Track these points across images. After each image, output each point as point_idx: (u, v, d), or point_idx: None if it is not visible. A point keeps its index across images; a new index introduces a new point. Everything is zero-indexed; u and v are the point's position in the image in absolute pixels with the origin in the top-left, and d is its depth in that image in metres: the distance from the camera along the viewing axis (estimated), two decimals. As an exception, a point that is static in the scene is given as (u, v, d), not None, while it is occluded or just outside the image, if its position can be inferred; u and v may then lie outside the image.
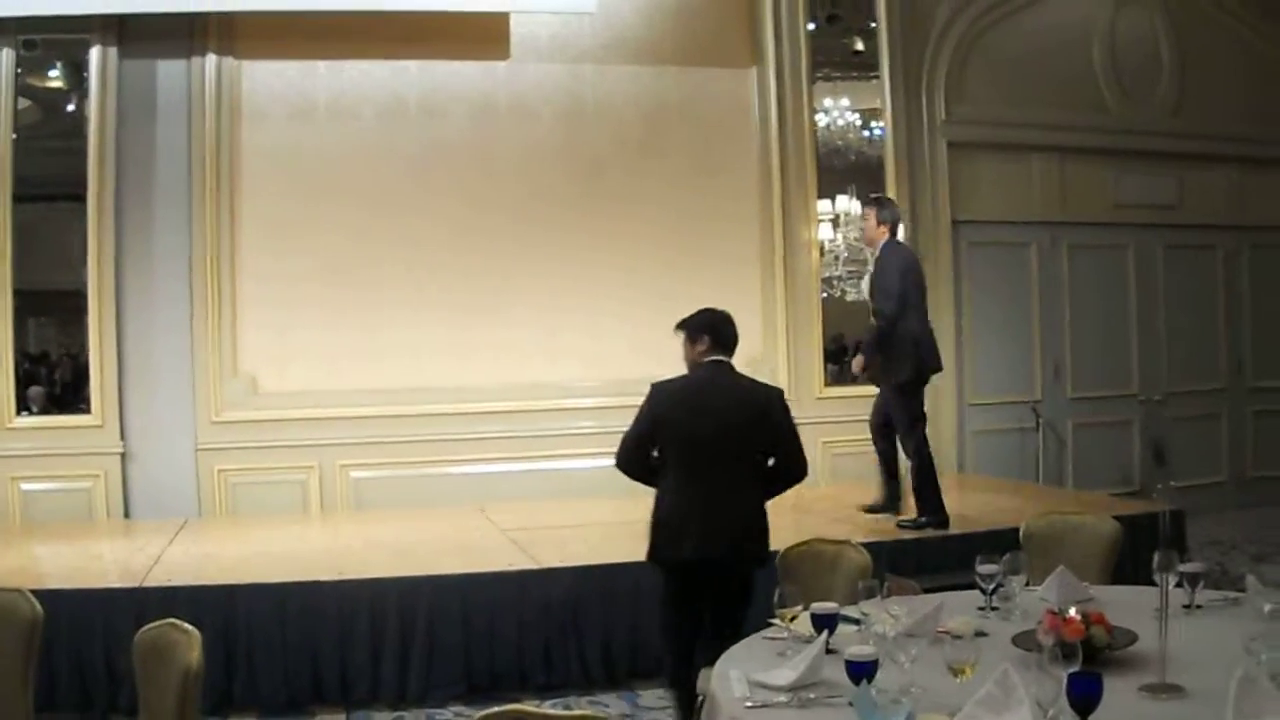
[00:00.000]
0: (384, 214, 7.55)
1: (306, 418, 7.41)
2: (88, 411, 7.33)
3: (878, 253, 6.04)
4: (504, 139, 7.69)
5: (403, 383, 7.48)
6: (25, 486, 7.25)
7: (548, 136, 7.73)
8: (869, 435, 6.37)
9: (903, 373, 5.89)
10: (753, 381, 4.25)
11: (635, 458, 4.18)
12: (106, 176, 7.33)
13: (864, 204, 6.19)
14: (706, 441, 4.05)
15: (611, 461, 6.59)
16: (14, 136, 7.33)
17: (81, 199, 7.31)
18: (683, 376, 4.22)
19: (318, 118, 7.58)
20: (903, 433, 6.03)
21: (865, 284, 6.20)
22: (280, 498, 7.38)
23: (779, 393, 4.23)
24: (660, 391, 4.17)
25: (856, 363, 6.10)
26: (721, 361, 4.20)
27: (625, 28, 7.78)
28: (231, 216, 7.45)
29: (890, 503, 6.30)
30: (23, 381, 7.37)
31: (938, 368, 6.06)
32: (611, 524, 6.54)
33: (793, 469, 4.19)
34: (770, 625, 3.29)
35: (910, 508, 6.15)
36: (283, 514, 7.29)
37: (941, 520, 5.95)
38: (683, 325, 4.32)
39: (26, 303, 7.36)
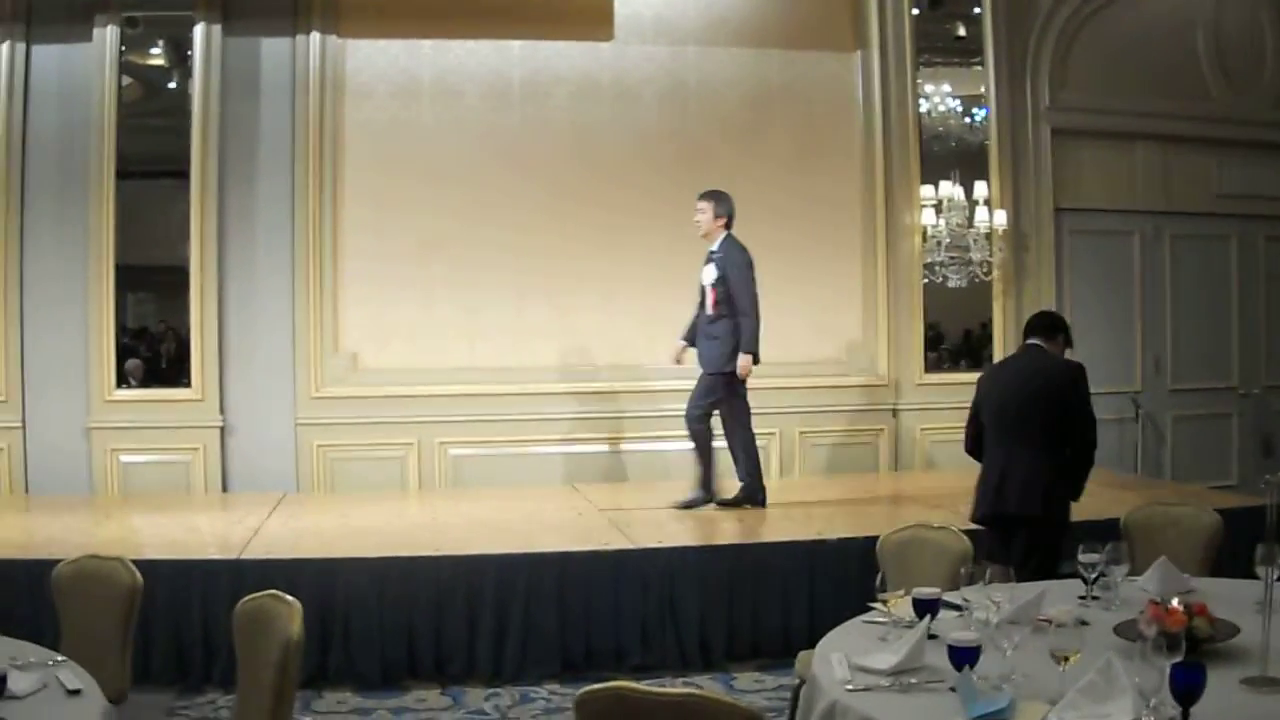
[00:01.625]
0: (485, 194, 7.61)
1: (406, 394, 7.50)
2: (188, 385, 7.48)
3: (715, 246, 6.31)
4: (606, 121, 7.74)
5: (501, 361, 7.57)
6: (125, 458, 7.42)
7: (650, 119, 7.77)
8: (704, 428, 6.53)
9: (735, 363, 6.22)
10: (1057, 360, 4.68)
11: (970, 434, 4.78)
12: (209, 154, 7.48)
13: (700, 197, 6.37)
14: (1010, 411, 4.57)
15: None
16: (117, 114, 7.48)
17: (184, 176, 7.45)
18: (1003, 360, 4.99)
19: (421, 97, 7.67)
20: (698, 412, 6.34)
21: (707, 274, 6.35)
22: (379, 474, 7.48)
23: (1075, 369, 4.61)
24: (982, 374, 5.01)
25: (745, 364, 6.29)
26: (1033, 344, 4.71)
27: (729, 9, 7.81)
28: (334, 194, 7.57)
29: (707, 491, 6.49)
30: (123, 355, 7.58)
31: (758, 360, 6.35)
32: (710, 507, 6.58)
33: (1079, 437, 4.57)
34: (871, 609, 3.32)
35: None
36: (381, 490, 7.39)
37: (763, 497, 6.40)
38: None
39: (128, 278, 7.52)
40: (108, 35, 7.49)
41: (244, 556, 5.36)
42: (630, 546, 5.47)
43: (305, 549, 5.65)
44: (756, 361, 6.34)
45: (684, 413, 6.49)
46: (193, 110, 7.49)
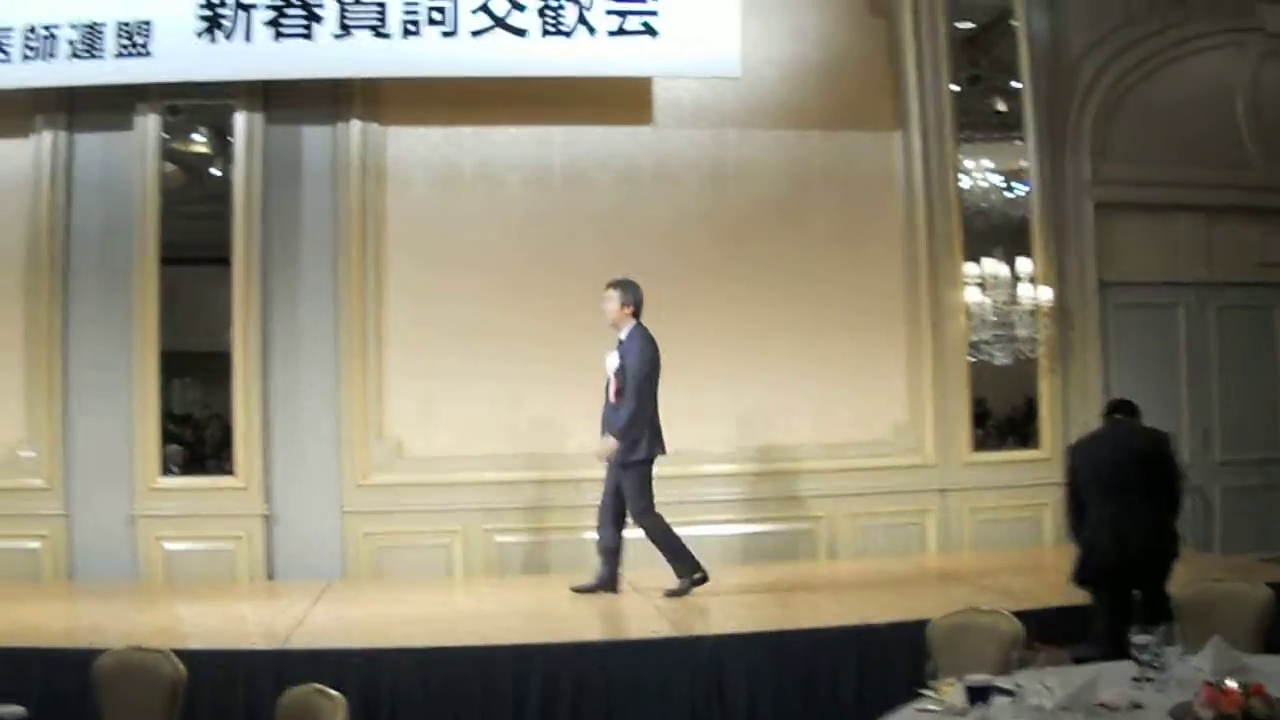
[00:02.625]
0: (527, 280, 7.66)
1: (451, 481, 7.53)
2: (232, 473, 7.55)
3: (623, 335, 6.41)
4: (648, 205, 7.79)
5: (545, 448, 7.57)
6: (169, 546, 7.47)
7: (692, 202, 7.81)
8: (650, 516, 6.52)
9: (641, 452, 6.29)
10: (1146, 427, 5.29)
11: (1073, 508, 5.26)
12: (252, 240, 7.59)
13: (608, 285, 6.46)
14: (1117, 475, 5.08)
15: (749, 529, 7.35)
16: (160, 200, 7.61)
17: (227, 262, 7.55)
18: (1092, 434, 5.44)
19: (463, 183, 7.75)
20: (639, 510, 6.36)
21: (610, 362, 6.44)
22: (424, 561, 7.51)
23: (1165, 433, 5.28)
24: (1075, 450, 5.42)
25: (606, 447, 6.38)
26: (1118, 419, 5.31)
27: (768, 92, 7.85)
28: (377, 280, 7.64)
29: (610, 582, 6.54)
30: (167, 442, 7.66)
31: (664, 450, 6.45)
32: (750, 591, 6.63)
33: (1171, 491, 5.14)
34: (922, 697, 3.30)
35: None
36: (427, 577, 7.40)
37: (703, 575, 6.37)
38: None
39: (172, 364, 7.58)
40: (149, 123, 7.63)
41: (288, 646, 5.36)
42: (675, 635, 5.45)
43: (350, 638, 5.66)
44: (662, 452, 6.44)
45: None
46: (235, 197, 7.60)
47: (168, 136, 7.72)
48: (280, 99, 7.65)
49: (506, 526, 7.58)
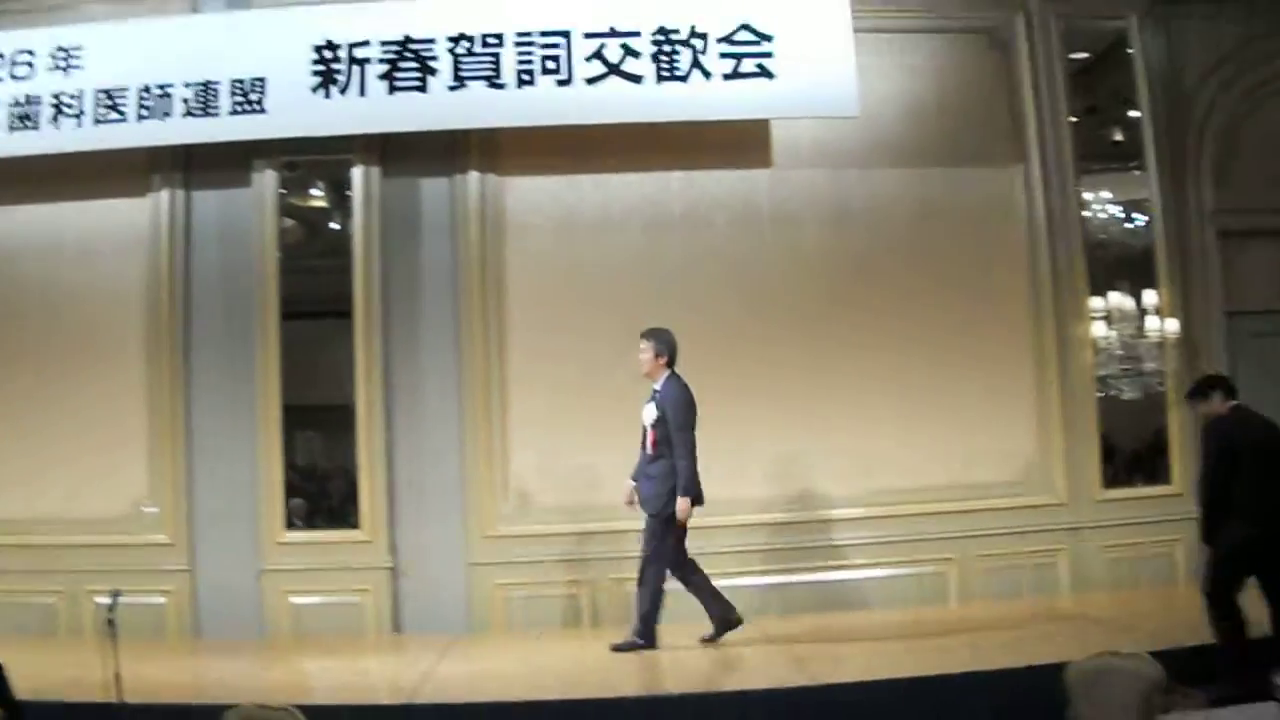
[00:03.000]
0: (648, 322, 7.07)
1: (577, 531, 7.54)
2: (356, 526, 7.60)
3: (658, 385, 6.46)
4: (768, 247, 7.80)
5: None
6: (295, 600, 7.55)
7: (812, 243, 7.83)
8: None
9: (673, 505, 6.34)
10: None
11: (1221, 480, 5.64)
12: (372, 293, 7.67)
13: (642, 336, 6.51)
14: (1266, 454, 5.61)
15: (878, 573, 7.48)
16: (279, 255, 7.75)
17: (348, 315, 7.63)
18: (1228, 416, 5.79)
19: (582, 231, 7.81)
20: (653, 556, 6.40)
21: (647, 414, 6.46)
22: (553, 612, 7.52)
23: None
24: (1223, 425, 5.81)
25: (684, 507, 6.41)
26: (1240, 404, 5.85)
27: (887, 130, 7.84)
28: (499, 330, 7.70)
29: (726, 623, 6.54)
30: (291, 496, 7.73)
31: (701, 502, 6.48)
32: (881, 638, 6.58)
33: None
34: None
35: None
36: (556, 629, 7.43)
37: (652, 639, 6.44)
38: (1195, 392, 6.05)
39: (295, 418, 7.69)
40: (267, 180, 7.79)
41: (415, 701, 5.34)
42: (809, 683, 5.41)
43: (478, 693, 5.64)
44: (698, 503, 6.43)
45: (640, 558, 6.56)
46: (354, 250, 7.70)
47: (285, 192, 7.84)
48: (397, 152, 7.75)
49: (629, 577, 7.08)
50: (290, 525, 7.63)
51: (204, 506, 7.69)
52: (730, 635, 6.64)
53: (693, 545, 7.18)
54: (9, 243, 8.03)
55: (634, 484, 6.50)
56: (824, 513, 7.62)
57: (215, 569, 7.63)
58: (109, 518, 7.70)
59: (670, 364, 6.49)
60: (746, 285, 7.77)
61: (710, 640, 6.50)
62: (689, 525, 6.52)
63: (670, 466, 6.33)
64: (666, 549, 6.40)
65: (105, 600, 4.68)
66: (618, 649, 6.40)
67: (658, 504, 6.39)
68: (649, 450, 6.38)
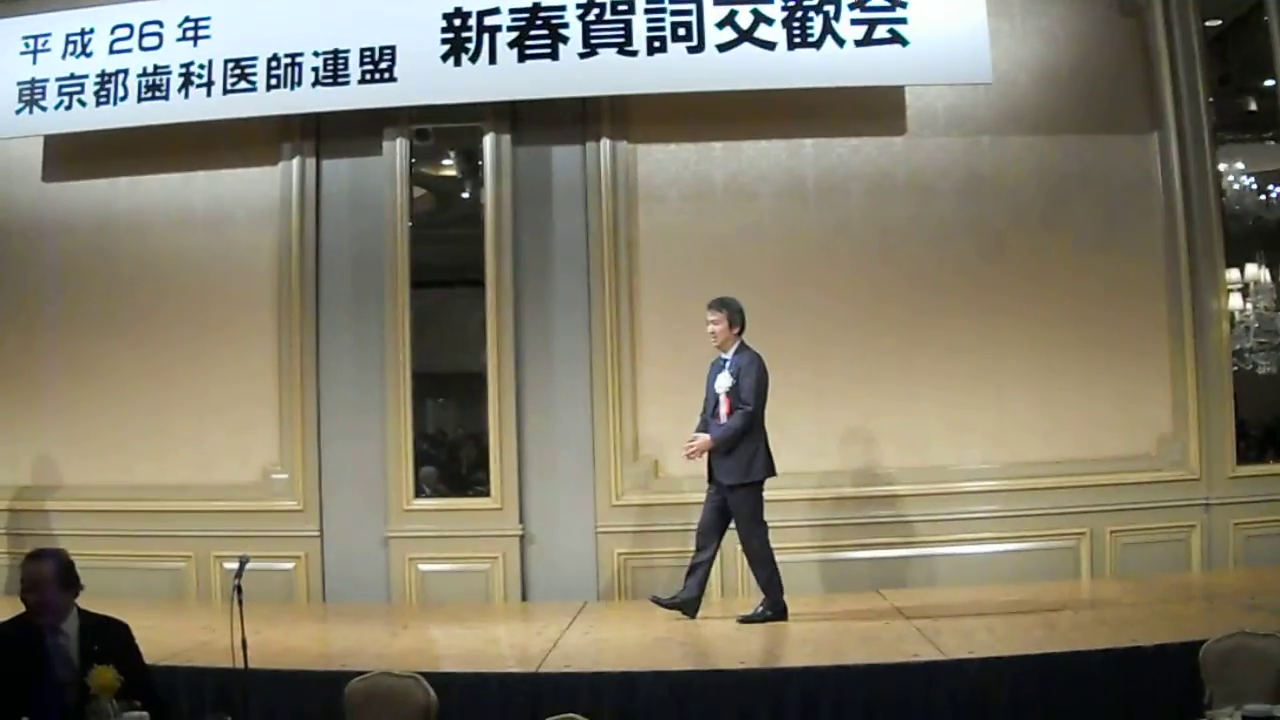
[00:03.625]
0: (782, 295, 7.63)
1: (702, 502, 7.33)
2: (486, 494, 7.66)
3: (728, 354, 6.49)
4: (902, 215, 7.72)
5: (804, 465, 7.45)
6: (423, 567, 7.63)
7: (947, 211, 7.73)
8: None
9: (756, 472, 6.36)
10: None
11: None
12: (503, 261, 7.72)
13: (711, 307, 6.52)
14: None
15: (1009, 547, 7.45)
16: (410, 224, 7.81)
17: (479, 284, 7.69)
18: None
19: (715, 199, 7.78)
20: (748, 531, 6.42)
21: (722, 382, 6.47)
22: (679, 582, 7.19)
23: None
24: None
25: (703, 443, 6.42)
26: None
27: (1021, 97, 7.74)
28: (630, 299, 7.72)
29: (693, 605, 6.53)
30: (420, 463, 7.79)
31: (775, 472, 6.50)
32: (1013, 612, 6.49)
33: None
34: None
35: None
36: None
37: (782, 610, 6.38)
38: None
39: (425, 385, 7.78)
40: (397, 148, 7.84)
41: (543, 669, 5.34)
42: (939, 657, 5.34)
43: (606, 661, 5.67)
44: (771, 474, 6.49)
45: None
46: (485, 219, 7.74)
47: (416, 160, 7.89)
48: (528, 120, 7.80)
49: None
50: (419, 492, 7.69)
51: (333, 473, 7.80)
52: (860, 607, 6.72)
53: (819, 515, 7.43)
54: (140, 213, 8.20)
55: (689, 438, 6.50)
56: (954, 485, 7.57)
57: (343, 535, 7.75)
58: (239, 484, 7.86)
59: (741, 332, 6.51)
60: (880, 254, 7.74)
61: (666, 603, 6.57)
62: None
63: (758, 434, 6.38)
64: (758, 516, 6.46)
65: (233, 566, 4.67)
66: (745, 620, 6.40)
67: (737, 474, 6.41)
68: (725, 419, 6.40)
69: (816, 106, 7.62)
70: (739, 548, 6.75)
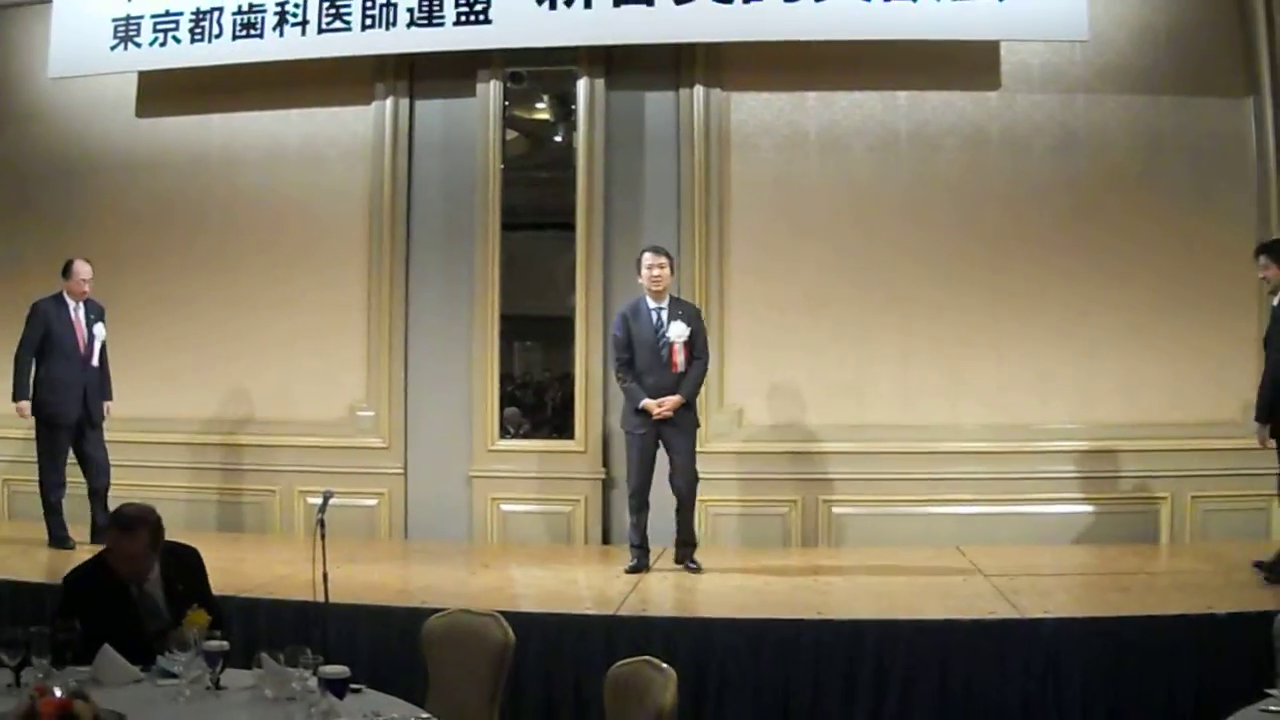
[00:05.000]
0: (872, 249, 7.72)
1: (791, 451, 7.65)
2: (570, 436, 7.80)
3: (664, 304, 6.55)
4: (994, 172, 7.72)
5: (888, 419, 7.63)
6: (505, 508, 7.80)
7: (1039, 169, 7.71)
8: None
9: (696, 416, 6.60)
10: None
11: None
12: (595, 206, 7.80)
13: (660, 252, 6.64)
14: None
15: (1089, 508, 7.49)
16: (502, 167, 7.89)
17: (569, 228, 7.77)
18: None
19: (808, 150, 7.81)
20: (695, 470, 6.55)
21: (676, 330, 6.54)
22: (761, 530, 7.62)
23: None
24: None
25: (675, 401, 6.48)
26: None
27: (1118, 55, 7.71)
28: (720, 248, 7.78)
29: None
30: (506, 405, 7.94)
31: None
32: (1090, 574, 6.58)
33: None
34: (1268, 696, 3.26)
35: None
36: (762, 547, 7.48)
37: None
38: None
39: (512, 328, 7.92)
40: (491, 90, 7.93)
41: (620, 613, 5.45)
42: (1016, 616, 5.36)
43: (683, 607, 5.83)
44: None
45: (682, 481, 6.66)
46: (577, 163, 7.81)
47: (509, 103, 7.98)
48: (622, 65, 7.86)
49: (845, 497, 7.62)
50: (503, 433, 7.85)
51: (418, 412, 7.94)
52: (939, 563, 6.80)
53: (899, 469, 7.57)
54: (232, 149, 8.33)
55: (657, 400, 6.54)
56: (1038, 444, 7.59)
57: (428, 474, 7.89)
58: (326, 420, 8.03)
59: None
60: (970, 210, 7.73)
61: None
62: None
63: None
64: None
65: (317, 501, 4.83)
66: (690, 567, 6.57)
67: (691, 419, 6.62)
68: (682, 368, 6.52)
69: (911, 59, 7.61)
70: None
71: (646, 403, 6.46)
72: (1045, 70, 7.78)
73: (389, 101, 8.02)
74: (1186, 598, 5.73)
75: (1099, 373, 7.68)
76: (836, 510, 7.65)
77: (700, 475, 6.87)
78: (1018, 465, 7.57)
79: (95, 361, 7.18)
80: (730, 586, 6.21)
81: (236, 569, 6.24)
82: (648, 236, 7.60)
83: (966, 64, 7.68)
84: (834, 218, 7.75)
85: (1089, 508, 7.59)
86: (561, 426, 7.84)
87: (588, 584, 6.49)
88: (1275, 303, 6.19)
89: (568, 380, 7.75)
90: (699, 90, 7.80)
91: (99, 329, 7.22)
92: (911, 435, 7.60)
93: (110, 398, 7.26)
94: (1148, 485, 7.62)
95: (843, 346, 7.70)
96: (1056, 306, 7.67)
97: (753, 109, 7.85)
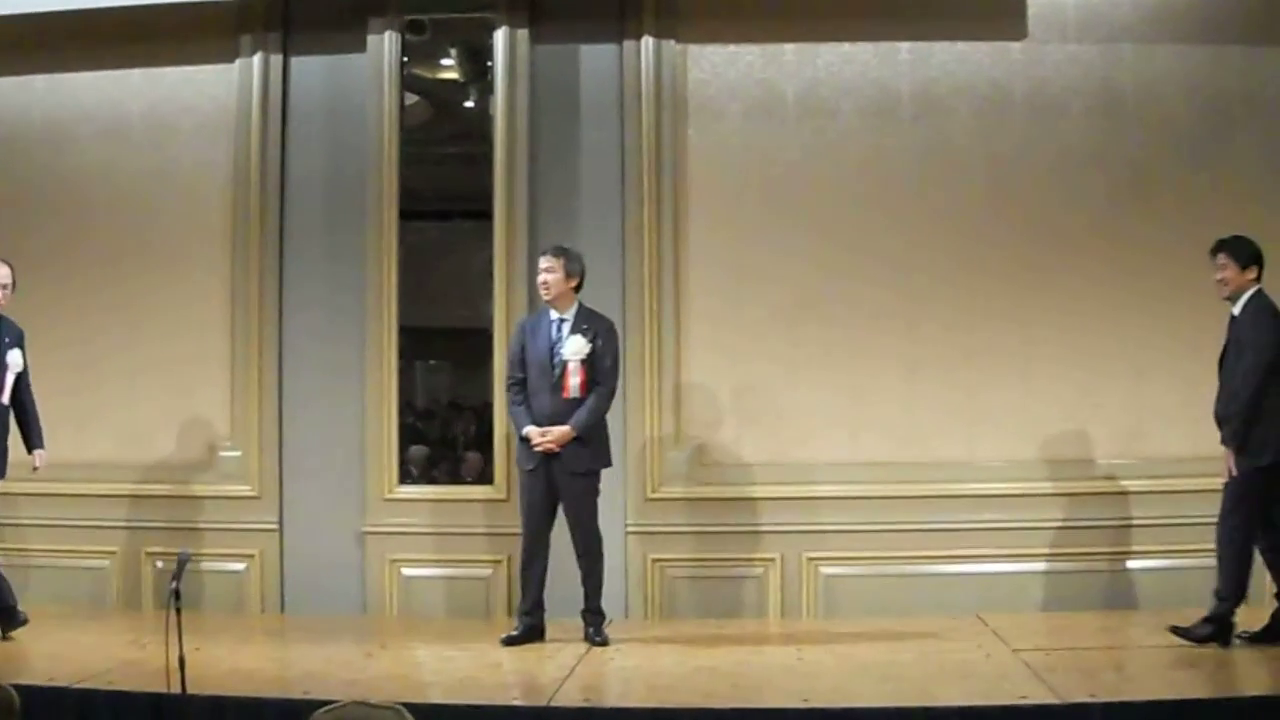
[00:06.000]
0: (868, 239, 7.30)
1: (767, 496, 7.18)
2: (490, 481, 7.31)
3: (569, 314, 6.40)
4: (1021, 140, 7.31)
5: (890, 455, 7.19)
6: (408, 572, 7.33)
7: (1077, 136, 7.28)
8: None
9: (605, 457, 6.46)
10: None
11: None
12: (517, 189, 7.31)
13: (548, 254, 6.45)
14: None
15: (1157, 562, 7.04)
16: (400, 139, 7.36)
17: (485, 216, 7.28)
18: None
19: (784, 115, 7.35)
20: (594, 520, 6.45)
21: (572, 347, 6.36)
22: (731, 596, 7.19)
23: None
24: None
25: (562, 434, 6.28)
26: None
27: None
28: (675, 239, 7.33)
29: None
30: (408, 441, 7.44)
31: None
32: (1154, 646, 6.14)
33: None
34: None
35: None
36: (734, 617, 7.11)
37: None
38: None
39: (415, 344, 7.42)
40: (385, 43, 7.45)
41: (555, 703, 5.17)
42: (1054, 701, 5.03)
43: (633, 695, 5.48)
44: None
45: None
46: (495, 134, 7.33)
47: (408, 60, 7.54)
48: (551, 11, 7.48)
49: (836, 554, 7.16)
50: (405, 477, 7.40)
51: (297, 451, 7.49)
52: (955, 635, 6.44)
53: (912, 517, 7.12)
54: (60, 121, 7.81)
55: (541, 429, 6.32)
56: (1078, 484, 7.08)
57: (309, 530, 7.44)
58: (178, 463, 7.59)
59: (579, 290, 6.38)
60: (990, 190, 7.30)
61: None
62: None
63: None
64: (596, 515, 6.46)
65: (170, 565, 4.69)
66: (597, 641, 6.34)
67: (588, 459, 6.35)
68: (577, 393, 6.26)
69: (914, 2, 7.32)
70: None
71: (529, 430, 6.24)
72: (1082, 14, 7.33)
73: (257, 59, 7.56)
74: (1273, 674, 5.58)
75: (1151, 394, 7.19)
76: (825, 570, 7.20)
77: (652, 527, 6.93)
78: (1052, 511, 7.12)
79: (4, 398, 6.54)
80: (692, 668, 5.91)
81: (66, 653, 5.99)
82: (584, 226, 7.30)
83: (983, 9, 7.32)
84: (819, 200, 7.32)
85: (1143, 563, 7.10)
86: (478, 469, 7.45)
87: (514, 667, 6.12)
88: (1237, 311, 6.01)
89: (486, 411, 7.25)
90: (648, 42, 7.37)
91: (13, 357, 6.59)
92: (919, 474, 7.16)
93: (41, 445, 6.69)
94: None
95: (831, 362, 7.27)
96: (1101, 309, 7.17)
97: (715, 65, 7.42)
